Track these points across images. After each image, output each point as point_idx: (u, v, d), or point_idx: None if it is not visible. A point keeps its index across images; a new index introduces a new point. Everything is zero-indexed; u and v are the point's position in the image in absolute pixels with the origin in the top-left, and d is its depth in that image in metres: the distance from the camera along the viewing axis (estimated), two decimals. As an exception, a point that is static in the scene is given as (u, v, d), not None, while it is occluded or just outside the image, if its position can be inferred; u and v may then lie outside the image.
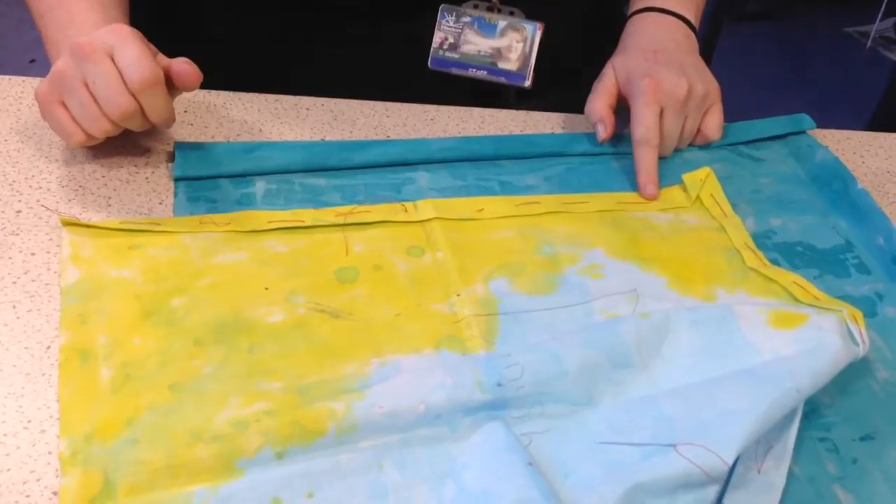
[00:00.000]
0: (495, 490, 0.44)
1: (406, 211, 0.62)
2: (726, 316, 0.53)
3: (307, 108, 0.71)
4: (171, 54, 0.60)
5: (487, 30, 0.73)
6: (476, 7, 0.72)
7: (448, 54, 0.73)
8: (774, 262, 0.62)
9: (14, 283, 0.52)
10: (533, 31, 0.73)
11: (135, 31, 0.58)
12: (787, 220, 0.66)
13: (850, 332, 0.53)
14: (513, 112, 0.74)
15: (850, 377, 0.53)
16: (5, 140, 0.63)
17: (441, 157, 0.67)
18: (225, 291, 0.53)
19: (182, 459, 0.43)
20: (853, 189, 0.67)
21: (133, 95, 0.56)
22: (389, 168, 0.66)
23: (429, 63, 0.73)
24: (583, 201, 0.65)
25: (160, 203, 0.60)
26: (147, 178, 0.62)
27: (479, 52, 0.73)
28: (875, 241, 0.64)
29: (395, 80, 0.73)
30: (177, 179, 0.61)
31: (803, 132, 0.75)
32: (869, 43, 2.48)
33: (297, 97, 0.71)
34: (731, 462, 0.45)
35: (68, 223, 0.56)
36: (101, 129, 0.58)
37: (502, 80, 0.74)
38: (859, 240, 0.65)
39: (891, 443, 0.51)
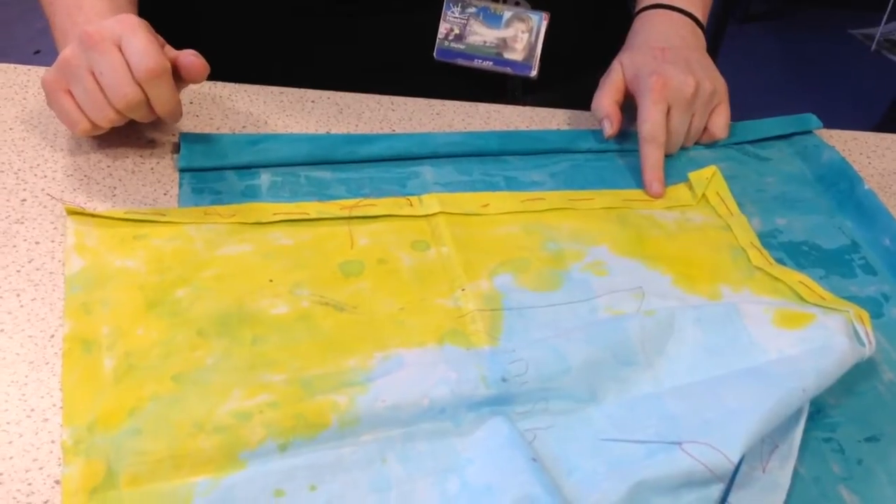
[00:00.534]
0: (498, 485, 0.44)
1: (411, 205, 0.61)
2: (732, 314, 0.53)
3: (313, 101, 0.71)
4: (177, 46, 0.60)
5: (493, 20, 0.72)
6: None
7: (453, 45, 0.73)
8: (780, 261, 0.62)
9: (18, 271, 0.52)
10: (539, 21, 0.72)
11: (143, 21, 0.58)
12: (792, 219, 0.66)
13: (856, 333, 0.52)
14: (519, 108, 0.74)
15: (856, 378, 0.53)
16: (10, 128, 0.63)
17: (446, 152, 0.67)
18: (229, 283, 0.53)
19: (185, 450, 0.43)
20: (859, 189, 0.67)
21: (139, 86, 0.56)
22: (395, 162, 0.66)
23: (434, 54, 0.73)
24: (588, 198, 0.65)
25: (165, 194, 0.60)
26: (152, 169, 0.61)
27: (485, 42, 0.73)
28: (881, 242, 0.64)
29: (400, 71, 0.73)
30: (182, 170, 0.61)
31: (810, 132, 0.75)
32: (874, 46, 2.47)
33: (303, 90, 0.71)
34: (736, 461, 0.45)
35: (73, 212, 0.55)
36: (107, 118, 0.57)
37: (508, 70, 0.74)
38: (865, 240, 0.65)
39: None
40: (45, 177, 0.59)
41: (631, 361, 0.51)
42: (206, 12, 0.76)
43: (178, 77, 0.59)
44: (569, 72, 0.78)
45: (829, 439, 0.51)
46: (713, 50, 1.74)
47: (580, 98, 0.73)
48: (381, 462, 0.45)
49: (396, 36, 0.74)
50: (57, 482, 0.42)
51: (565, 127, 0.73)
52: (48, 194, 0.58)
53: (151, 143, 0.63)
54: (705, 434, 0.46)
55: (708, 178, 0.68)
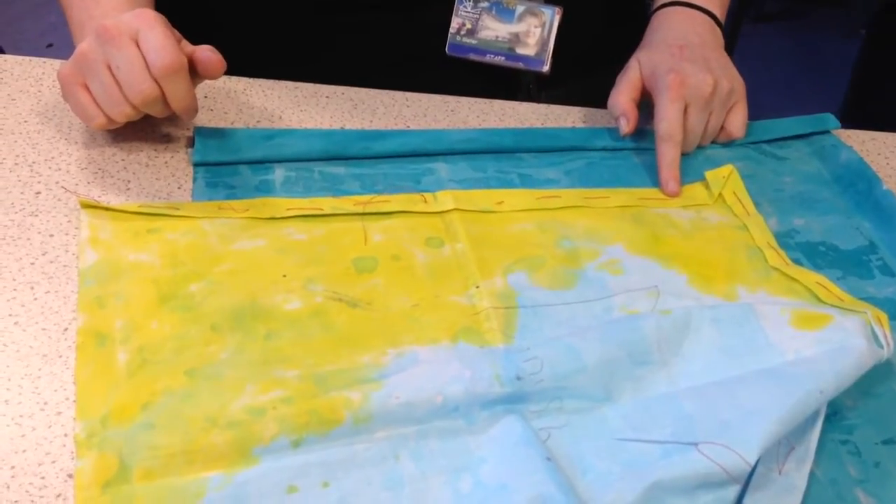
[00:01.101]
0: (512, 484, 0.43)
1: (426, 201, 0.61)
2: (748, 315, 0.53)
3: (327, 96, 0.70)
4: (193, 41, 0.60)
5: (505, 15, 0.72)
6: None
7: (465, 40, 0.72)
8: (797, 261, 0.61)
9: (32, 264, 0.52)
10: (551, 16, 0.72)
11: (160, 16, 0.58)
12: (810, 220, 0.65)
13: (874, 334, 0.52)
14: (534, 105, 0.74)
15: (874, 380, 0.52)
16: (25, 121, 0.63)
17: (461, 149, 0.67)
18: (243, 278, 0.53)
19: (198, 445, 0.43)
20: (878, 190, 0.66)
21: (156, 81, 0.56)
22: (409, 158, 0.66)
23: (446, 49, 0.73)
24: (603, 196, 0.65)
25: (179, 188, 0.59)
26: (166, 163, 0.61)
27: (497, 37, 0.72)
28: (900, 243, 0.63)
29: (412, 66, 0.73)
30: (196, 164, 0.61)
31: (827, 132, 0.74)
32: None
33: (317, 85, 0.71)
34: (753, 462, 0.44)
35: (87, 205, 0.55)
36: (123, 113, 0.57)
37: (520, 65, 0.73)
38: (883, 241, 0.64)
39: (913, 447, 0.50)
40: (60, 169, 0.59)
41: (646, 361, 0.51)
42: (222, 7, 0.76)
43: (195, 72, 0.59)
44: (585, 68, 0.78)
45: (846, 441, 0.50)
46: (728, 49, 1.73)
47: (596, 94, 0.73)
48: (395, 459, 0.45)
49: (409, 31, 0.74)
50: (70, 476, 0.42)
51: (581, 124, 0.73)
52: (62, 187, 0.58)
53: (166, 137, 0.63)
54: (722, 435, 0.45)
55: (725, 177, 0.67)
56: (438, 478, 0.44)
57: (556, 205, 0.63)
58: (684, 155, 0.68)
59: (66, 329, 0.49)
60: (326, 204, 0.60)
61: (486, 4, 0.72)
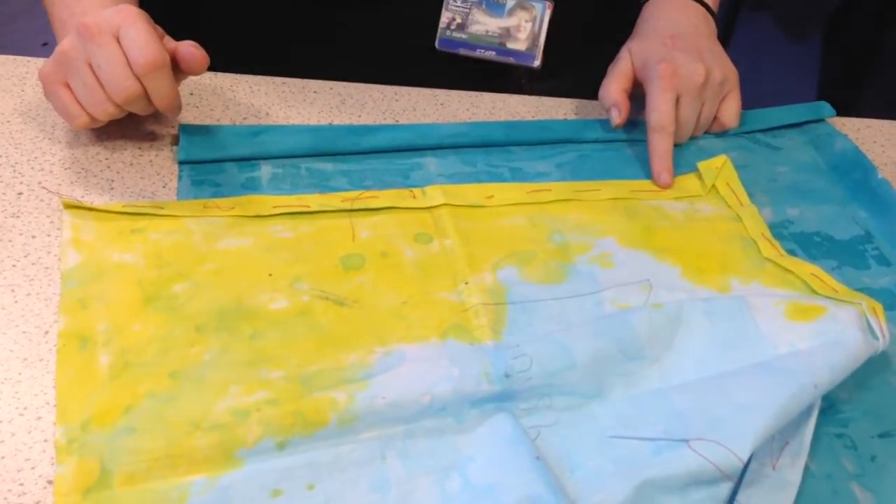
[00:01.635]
0: (501, 484, 0.43)
1: (414, 197, 0.60)
2: (741, 308, 0.52)
3: (315, 92, 0.70)
4: (179, 37, 0.59)
5: (495, 9, 0.71)
6: None
7: (455, 34, 0.72)
8: (792, 252, 0.61)
9: (13, 266, 0.51)
10: (542, 10, 0.71)
11: (142, 12, 0.57)
12: (804, 209, 0.64)
13: (869, 326, 0.51)
14: (525, 97, 0.73)
15: (869, 372, 0.52)
16: (8, 121, 0.62)
17: (451, 143, 0.66)
18: (228, 277, 0.52)
19: (180, 449, 0.42)
20: (873, 178, 0.65)
21: (138, 79, 0.55)
22: (398, 153, 0.65)
23: (436, 44, 0.72)
24: (595, 189, 0.64)
25: (164, 186, 0.59)
26: (151, 162, 0.60)
27: (488, 31, 0.71)
28: (896, 232, 0.62)
29: (401, 62, 0.72)
30: (181, 162, 0.60)
31: (822, 120, 0.73)
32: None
33: (305, 80, 0.70)
34: (745, 458, 0.44)
35: (70, 206, 0.55)
36: (105, 112, 0.57)
37: (511, 60, 0.72)
38: (879, 230, 0.63)
39: (910, 440, 0.49)
40: (42, 170, 0.58)
41: (637, 356, 0.50)
42: (207, 2, 0.75)
43: (178, 69, 0.58)
44: (576, 59, 0.77)
45: (842, 435, 0.49)
46: (725, 38, 1.71)
47: (588, 86, 0.72)
48: (381, 460, 0.44)
49: (398, 25, 0.73)
50: (49, 482, 0.41)
51: (572, 116, 0.72)
52: (44, 187, 0.57)
53: (151, 136, 0.62)
54: (714, 431, 0.45)
55: (718, 167, 0.66)
56: (426, 478, 0.44)
57: (547, 198, 0.62)
58: (677, 146, 0.67)
59: (47, 332, 0.48)
60: (313, 201, 0.59)
61: None
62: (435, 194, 0.60)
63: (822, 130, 0.72)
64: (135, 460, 0.42)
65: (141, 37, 0.55)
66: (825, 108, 0.73)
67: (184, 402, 0.44)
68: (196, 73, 0.59)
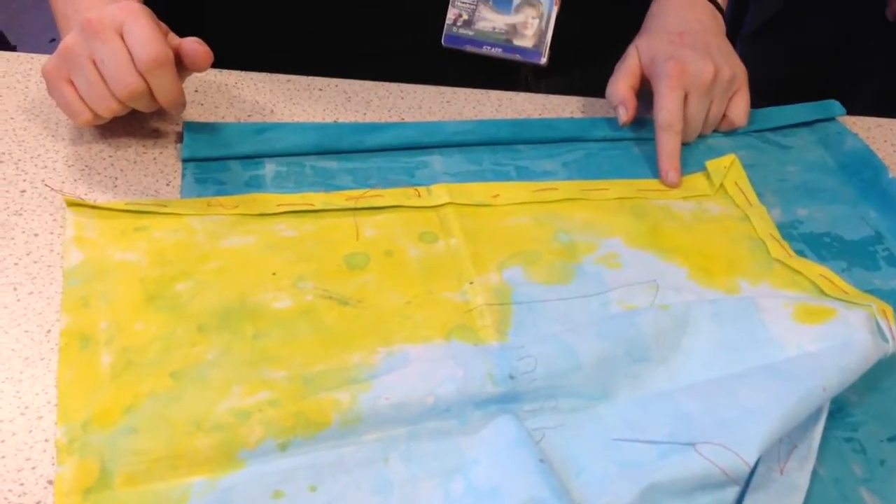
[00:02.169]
0: (505, 487, 0.42)
1: (419, 195, 0.60)
2: (749, 309, 0.51)
3: (320, 89, 0.69)
4: (183, 33, 0.58)
5: (502, 6, 0.70)
6: None
7: (462, 31, 0.71)
8: (801, 253, 0.60)
9: (16, 264, 0.51)
10: (549, 7, 0.70)
11: (146, 8, 0.57)
12: (814, 209, 0.64)
13: (879, 328, 0.50)
14: (531, 95, 0.72)
15: (879, 374, 0.51)
16: (11, 118, 0.62)
17: (456, 141, 0.65)
18: (231, 276, 0.52)
19: (181, 449, 0.42)
20: (884, 178, 0.65)
21: (141, 75, 0.55)
22: (403, 151, 0.64)
23: (442, 40, 0.71)
24: (602, 188, 0.63)
25: (167, 184, 0.58)
26: (155, 159, 0.60)
27: (494, 28, 0.71)
28: (907, 233, 0.61)
29: (407, 58, 0.71)
30: (185, 160, 0.60)
31: (833, 119, 0.72)
32: None
33: (310, 78, 0.70)
34: (752, 463, 0.43)
35: (73, 203, 0.54)
36: (109, 108, 0.56)
37: (517, 57, 0.72)
38: (890, 231, 0.62)
39: (920, 444, 0.49)
40: (46, 167, 0.58)
41: (644, 357, 0.49)
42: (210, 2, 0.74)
43: (182, 65, 0.57)
44: (583, 57, 0.76)
45: (851, 439, 0.49)
46: (733, 35, 1.70)
47: (595, 84, 0.71)
48: (384, 462, 0.44)
49: (405, 21, 0.73)
50: (50, 482, 0.41)
51: (579, 115, 0.71)
52: (48, 185, 0.57)
53: (155, 133, 0.62)
54: (720, 435, 0.44)
55: (726, 167, 0.65)
56: (429, 481, 0.43)
57: (553, 197, 0.61)
58: (685, 144, 0.67)
59: (49, 331, 0.48)
60: (318, 199, 0.58)
61: None
62: (440, 193, 0.60)
63: (833, 129, 0.71)
64: (135, 461, 0.41)
65: (144, 33, 0.54)
66: (835, 106, 0.72)
67: (185, 402, 0.44)
68: (200, 70, 0.58)
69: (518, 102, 0.71)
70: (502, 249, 0.57)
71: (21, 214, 0.54)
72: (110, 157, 0.60)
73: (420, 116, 0.68)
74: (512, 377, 0.47)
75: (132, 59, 0.54)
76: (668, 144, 0.64)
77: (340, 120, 0.66)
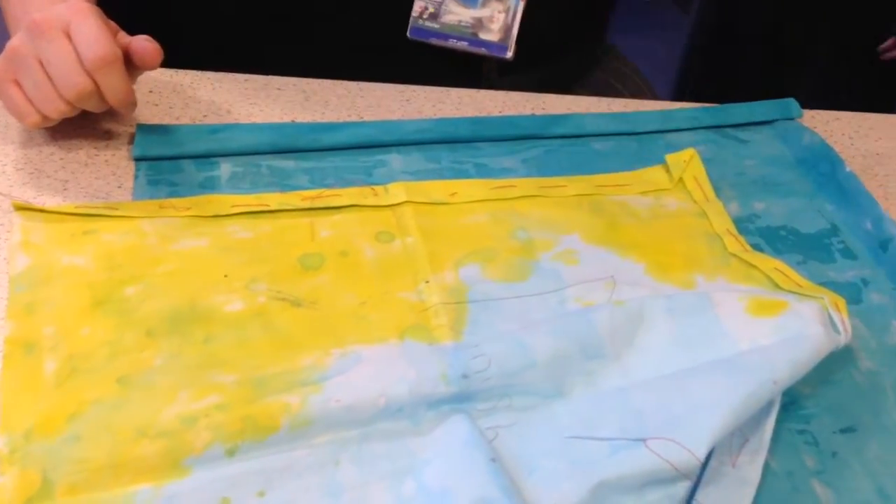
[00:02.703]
0: (455, 488, 0.42)
1: (376, 194, 0.59)
2: (703, 304, 0.51)
3: (278, 88, 0.68)
4: (139, 32, 0.57)
5: None
6: None
7: (428, 24, 0.71)
8: (757, 247, 0.60)
9: (-39, 270, 0.50)
10: (516, 2, 0.70)
11: (94, 7, 0.56)
12: (771, 203, 0.64)
13: (831, 321, 0.50)
14: (492, 92, 0.72)
15: (832, 367, 0.51)
16: (-40, 121, 0.61)
17: (415, 139, 0.65)
18: (182, 279, 0.51)
19: (125, 457, 0.41)
20: (841, 172, 0.65)
21: (89, 75, 0.54)
22: (361, 150, 0.64)
23: (408, 33, 0.71)
24: (560, 185, 0.63)
25: (119, 187, 0.58)
26: (107, 161, 0.59)
27: (460, 22, 0.70)
28: (862, 226, 0.62)
29: (374, 51, 0.71)
30: (137, 160, 0.59)
31: (791, 119, 0.72)
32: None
33: (268, 77, 0.69)
34: (702, 457, 0.43)
35: (21, 208, 0.53)
36: (57, 109, 0.55)
37: (483, 51, 0.71)
38: (846, 224, 0.63)
39: (872, 435, 0.49)
40: (-6, 171, 0.57)
41: (598, 354, 0.49)
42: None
43: (132, 64, 0.57)
44: (548, 53, 0.76)
45: (803, 431, 0.49)
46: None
47: (558, 80, 0.71)
48: (335, 465, 0.43)
49: (370, 14, 0.72)
50: (-10, 493, 0.40)
51: (540, 112, 0.71)
52: (-5, 190, 0.56)
53: (107, 135, 0.61)
54: (671, 430, 0.44)
55: (686, 161, 0.65)
56: (380, 483, 0.43)
57: (511, 195, 0.61)
58: (644, 143, 0.66)
59: (-7, 338, 0.47)
60: (273, 200, 0.58)
61: None
62: (397, 191, 0.59)
63: (791, 124, 0.71)
64: (77, 469, 0.41)
65: (92, 32, 0.53)
66: (794, 106, 0.72)
67: (131, 409, 0.43)
68: (150, 68, 0.57)
69: (479, 99, 0.71)
70: (459, 248, 0.56)
71: (-33, 220, 0.53)
72: (61, 159, 0.59)
73: (379, 115, 0.67)
74: (466, 376, 0.47)
75: (79, 59, 0.54)
76: None
77: (298, 119, 0.66)
